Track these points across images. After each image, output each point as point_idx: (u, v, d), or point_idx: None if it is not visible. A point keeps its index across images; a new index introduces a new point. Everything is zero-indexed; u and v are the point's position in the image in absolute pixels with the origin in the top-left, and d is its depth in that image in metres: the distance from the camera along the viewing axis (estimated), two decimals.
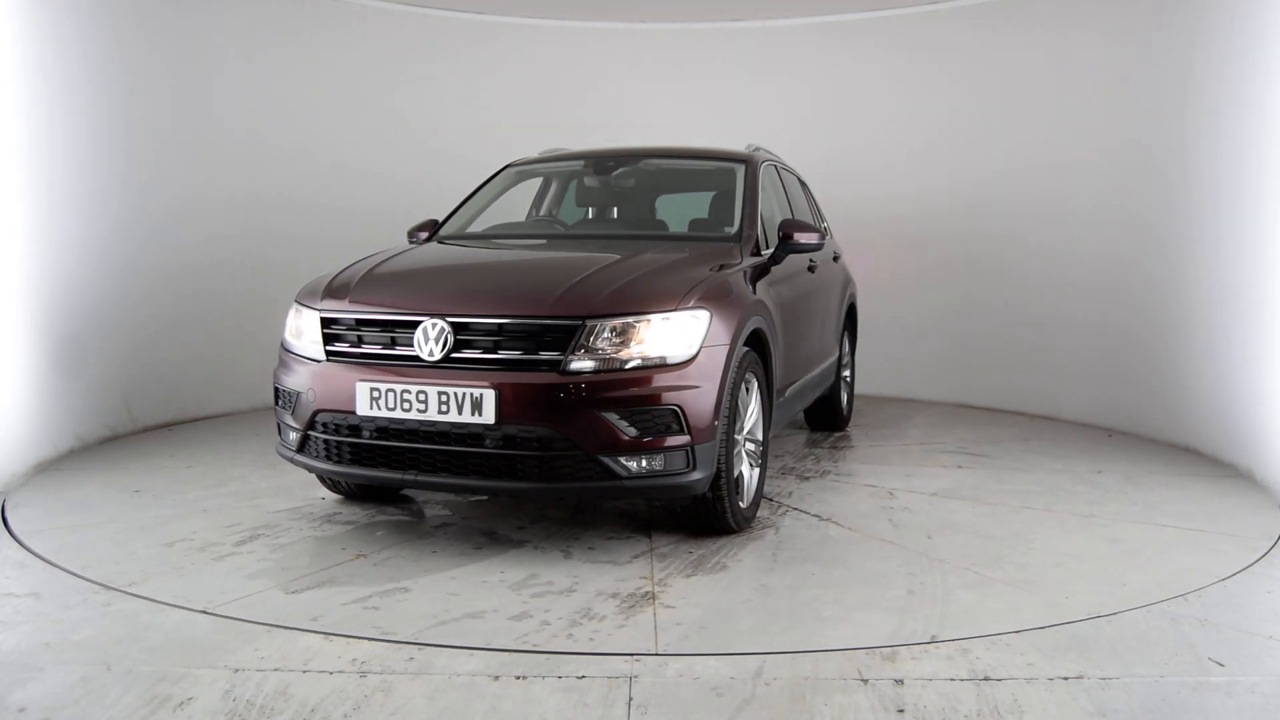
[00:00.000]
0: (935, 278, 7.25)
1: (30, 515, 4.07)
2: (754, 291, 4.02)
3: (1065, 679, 2.63)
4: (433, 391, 3.39)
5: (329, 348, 3.67)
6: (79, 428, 5.36)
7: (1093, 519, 4.16)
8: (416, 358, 3.48)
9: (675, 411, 3.39)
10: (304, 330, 3.79)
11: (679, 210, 5.11)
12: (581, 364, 3.36)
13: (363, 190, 7.03)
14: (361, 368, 3.56)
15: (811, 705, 2.47)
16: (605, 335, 3.39)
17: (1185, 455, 5.39)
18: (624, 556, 3.62)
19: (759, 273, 4.23)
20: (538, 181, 5.50)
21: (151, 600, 3.12)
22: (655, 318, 3.44)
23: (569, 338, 3.38)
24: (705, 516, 3.76)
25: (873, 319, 7.07)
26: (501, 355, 3.42)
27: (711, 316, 3.54)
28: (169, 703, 2.44)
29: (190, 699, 2.46)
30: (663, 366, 3.40)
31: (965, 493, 4.55)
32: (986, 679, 2.62)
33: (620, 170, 5.22)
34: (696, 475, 3.47)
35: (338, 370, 3.60)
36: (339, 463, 3.63)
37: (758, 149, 5.19)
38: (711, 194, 4.89)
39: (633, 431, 3.35)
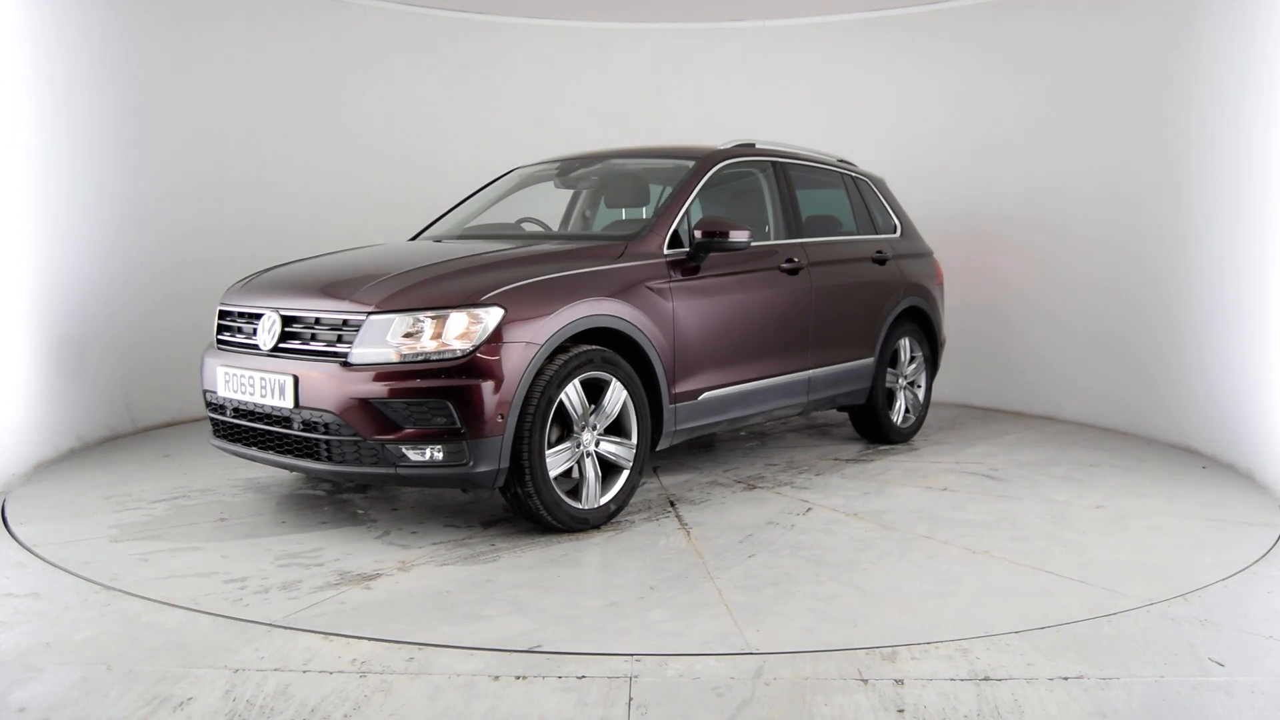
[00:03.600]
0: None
1: (30, 515, 4.08)
2: (625, 292, 4.01)
3: (1065, 679, 2.62)
4: (257, 377, 3.80)
5: (219, 337, 4.15)
6: (79, 428, 5.36)
7: (984, 556, 3.67)
8: (258, 346, 3.89)
9: (448, 405, 3.50)
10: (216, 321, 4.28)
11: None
12: (364, 355, 3.58)
13: (363, 189, 7.03)
14: (227, 354, 4.02)
15: (811, 705, 2.47)
16: (387, 329, 3.58)
17: (1222, 490, 4.68)
18: (425, 543, 3.77)
19: (669, 271, 4.25)
20: (542, 184, 5.50)
21: (152, 600, 3.12)
22: (435, 314, 3.58)
23: (357, 331, 3.61)
24: (522, 512, 3.83)
25: None
26: (311, 346, 3.73)
27: (505, 314, 3.61)
28: (169, 703, 2.44)
29: (190, 699, 2.46)
30: (440, 361, 3.53)
31: (891, 517, 4.18)
32: (986, 679, 2.62)
33: (581, 173, 5.30)
34: (477, 469, 3.56)
35: (216, 355, 4.08)
36: (218, 437, 4.13)
37: (750, 144, 5.10)
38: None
39: (408, 422, 3.52)
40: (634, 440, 4.05)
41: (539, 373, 3.68)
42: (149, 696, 2.48)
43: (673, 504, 4.40)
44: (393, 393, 3.50)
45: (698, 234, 4.31)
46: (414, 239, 5.09)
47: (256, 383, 3.80)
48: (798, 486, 4.73)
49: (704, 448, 5.62)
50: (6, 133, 4.80)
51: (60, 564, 3.49)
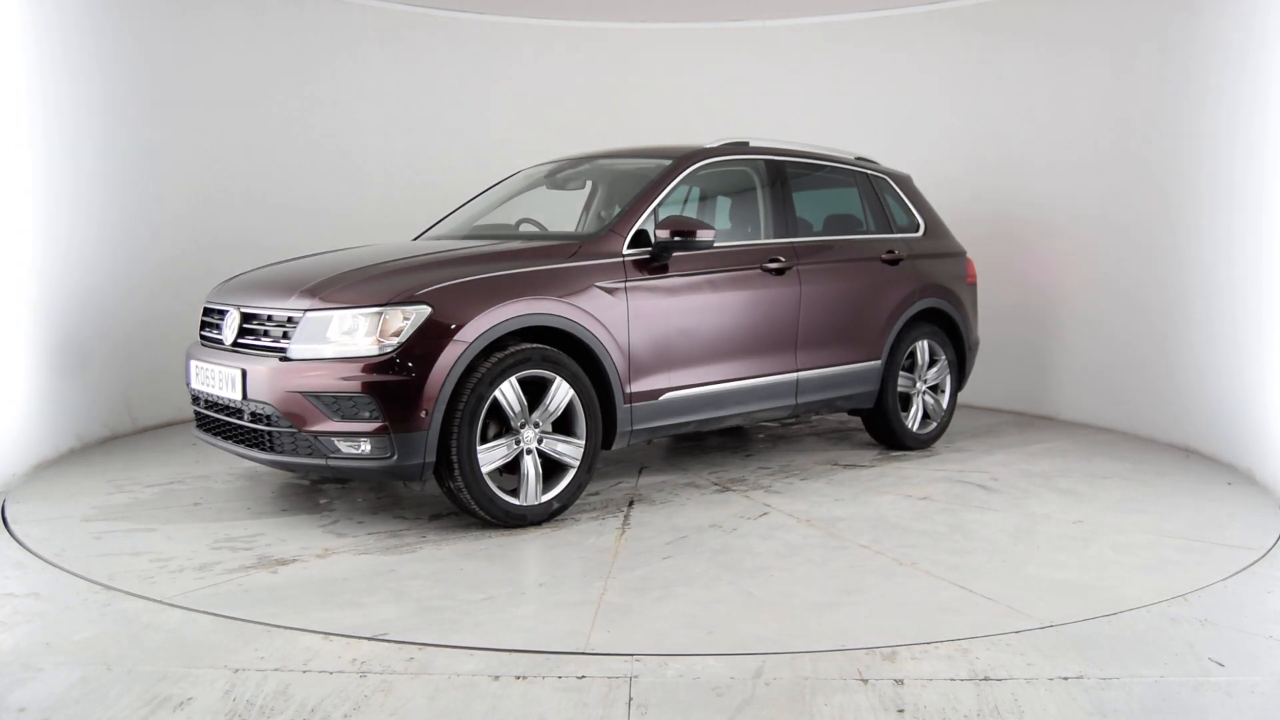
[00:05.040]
0: None
1: (30, 515, 4.08)
2: (571, 292, 4.05)
3: (1065, 679, 2.63)
4: (216, 370, 4.00)
5: (202, 333, 4.35)
6: (79, 428, 5.36)
7: (909, 567, 3.53)
8: (222, 342, 4.10)
9: (370, 400, 3.63)
10: None
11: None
12: (301, 351, 3.76)
13: (365, 189, 7.04)
14: (201, 349, 4.24)
15: (811, 705, 2.47)
16: (321, 326, 3.75)
17: (1228, 510, 4.30)
18: (362, 533, 3.91)
19: (627, 270, 4.27)
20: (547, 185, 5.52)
21: (151, 600, 3.13)
22: (365, 311, 3.72)
23: (296, 327, 3.80)
24: (457, 506, 3.94)
25: None
26: (261, 341, 3.93)
27: (432, 312, 3.72)
28: (169, 703, 2.44)
29: (190, 699, 2.46)
30: (367, 357, 3.66)
31: (845, 524, 4.06)
32: (986, 679, 2.62)
33: (571, 174, 5.30)
34: (402, 462, 3.68)
35: (195, 350, 4.28)
36: (197, 428, 4.33)
37: (743, 143, 5.03)
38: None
39: (337, 415, 3.67)
40: (581, 439, 4.07)
41: (469, 370, 3.76)
42: (149, 696, 2.48)
43: (632, 503, 4.40)
44: (323, 387, 3.67)
45: (659, 234, 4.31)
46: (416, 239, 5.12)
47: (215, 376, 4.00)
48: (773, 490, 4.65)
49: (708, 449, 5.63)
50: (8, 134, 4.80)
51: (24, 539, 3.76)
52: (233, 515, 4.13)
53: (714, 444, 5.73)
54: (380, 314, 3.70)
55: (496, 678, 2.60)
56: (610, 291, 4.20)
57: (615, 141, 6.02)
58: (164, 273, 5.99)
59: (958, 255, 5.94)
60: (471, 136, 7.38)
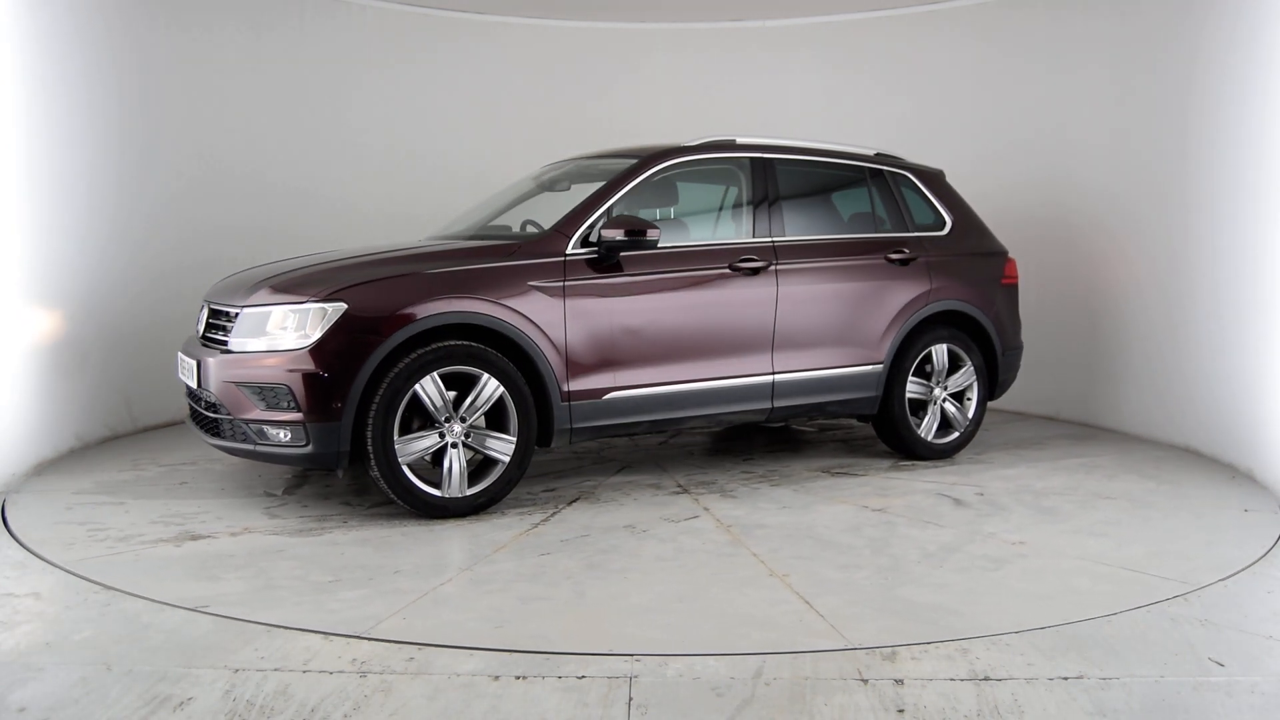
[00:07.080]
0: None
1: (30, 515, 4.08)
2: (501, 291, 4.13)
3: (1065, 679, 2.63)
4: (187, 362, 4.28)
5: (197, 327, 4.53)
6: (79, 428, 5.36)
7: (778, 579, 3.38)
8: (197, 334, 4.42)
9: (288, 390, 3.87)
10: None
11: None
12: (238, 344, 4.05)
13: (365, 190, 7.03)
14: (187, 343, 4.50)
15: (811, 705, 2.47)
16: (254, 321, 4.03)
17: (1205, 541, 3.88)
18: (295, 516, 4.12)
19: (569, 270, 4.31)
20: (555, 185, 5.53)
21: (151, 600, 3.13)
22: (289, 308, 3.97)
23: (235, 322, 4.10)
24: (381, 494, 4.15)
25: None
26: (218, 336, 4.20)
27: (348, 309, 3.92)
28: (169, 703, 2.45)
29: (190, 699, 2.47)
30: (284, 351, 3.92)
31: (763, 532, 3.92)
32: (986, 679, 2.62)
33: (554, 175, 5.32)
34: (316, 451, 3.89)
35: (185, 344, 4.52)
36: (188, 418, 4.53)
37: (729, 141, 4.95)
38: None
39: (260, 404, 3.94)
40: (513, 435, 4.15)
41: (386, 364, 3.93)
42: (149, 696, 2.48)
43: (574, 501, 4.41)
44: (250, 377, 3.95)
45: (605, 234, 4.32)
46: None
47: (187, 368, 4.28)
48: (731, 495, 4.52)
49: (713, 449, 5.62)
50: (5, 133, 4.80)
51: (8, 512, 4.08)
52: (200, 495, 4.42)
53: (719, 445, 5.74)
54: (301, 310, 3.94)
55: (496, 678, 2.60)
56: (547, 291, 4.25)
57: (615, 141, 6.03)
58: (164, 273, 5.98)
59: (993, 255, 5.61)
60: (469, 136, 7.37)
